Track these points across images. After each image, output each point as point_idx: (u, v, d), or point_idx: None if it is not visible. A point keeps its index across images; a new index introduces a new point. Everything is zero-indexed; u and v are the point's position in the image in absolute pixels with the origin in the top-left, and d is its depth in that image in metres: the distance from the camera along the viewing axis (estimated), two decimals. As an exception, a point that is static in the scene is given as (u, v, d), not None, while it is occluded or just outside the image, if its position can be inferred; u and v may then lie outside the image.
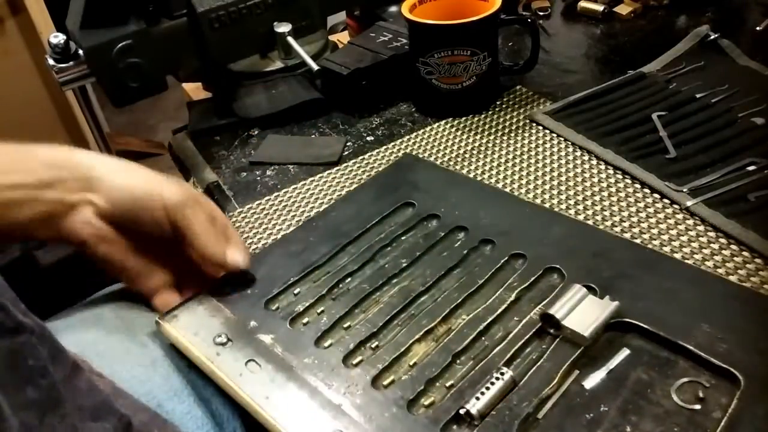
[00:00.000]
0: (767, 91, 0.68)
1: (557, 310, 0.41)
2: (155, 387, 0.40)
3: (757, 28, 0.81)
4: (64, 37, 0.67)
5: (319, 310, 0.45)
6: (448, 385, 0.39)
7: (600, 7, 0.90)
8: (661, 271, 0.45)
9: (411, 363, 0.41)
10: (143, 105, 0.86)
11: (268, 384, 0.40)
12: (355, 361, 0.41)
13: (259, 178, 0.69)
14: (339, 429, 0.37)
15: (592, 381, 0.38)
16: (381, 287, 0.47)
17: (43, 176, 0.43)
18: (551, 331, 0.41)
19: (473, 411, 0.37)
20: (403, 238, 0.51)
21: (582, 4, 0.92)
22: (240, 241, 0.47)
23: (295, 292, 0.47)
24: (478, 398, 0.37)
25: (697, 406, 0.36)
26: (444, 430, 0.36)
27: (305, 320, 0.45)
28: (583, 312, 0.41)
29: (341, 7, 0.88)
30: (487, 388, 0.38)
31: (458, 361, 0.41)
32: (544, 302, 0.43)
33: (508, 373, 0.38)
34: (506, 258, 0.47)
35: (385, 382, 0.40)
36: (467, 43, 0.68)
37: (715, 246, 0.52)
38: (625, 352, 0.39)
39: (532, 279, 0.45)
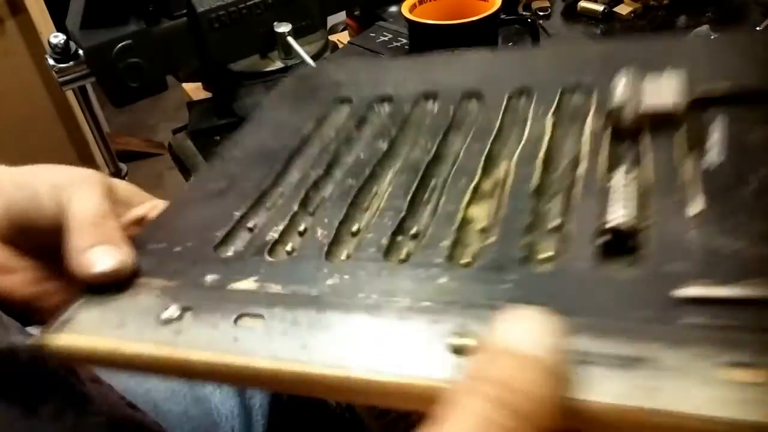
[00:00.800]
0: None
1: (623, 99, 0.32)
2: (152, 387, 0.40)
3: (757, 28, 0.81)
4: (64, 37, 0.67)
5: (301, 229, 0.33)
6: (556, 224, 0.29)
7: (600, 7, 0.90)
8: (694, 45, 0.39)
9: (480, 227, 0.30)
10: (143, 105, 0.86)
11: (291, 330, 0.25)
12: (402, 255, 0.29)
13: (259, 178, 0.69)
14: (460, 332, 0.23)
15: (713, 158, 0.30)
16: (371, 178, 0.35)
17: None
18: (629, 126, 0.32)
19: (623, 225, 0.26)
20: (361, 128, 0.40)
21: (582, 4, 0.92)
22: (126, 241, 0.31)
23: (250, 226, 0.34)
24: (620, 210, 0.27)
25: None
26: (606, 255, 0.26)
27: (289, 247, 0.32)
28: (653, 91, 0.32)
29: (341, 7, 0.88)
30: (622, 199, 0.28)
31: (544, 200, 0.30)
32: (595, 109, 0.34)
33: (631, 174, 0.29)
34: (506, 99, 0.38)
35: (466, 260, 0.28)
36: (467, 43, 0.68)
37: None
38: (722, 121, 0.31)
39: (555, 102, 0.36)
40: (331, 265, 0.29)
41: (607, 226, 0.26)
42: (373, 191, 0.34)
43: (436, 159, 0.35)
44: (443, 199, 0.32)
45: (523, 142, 0.34)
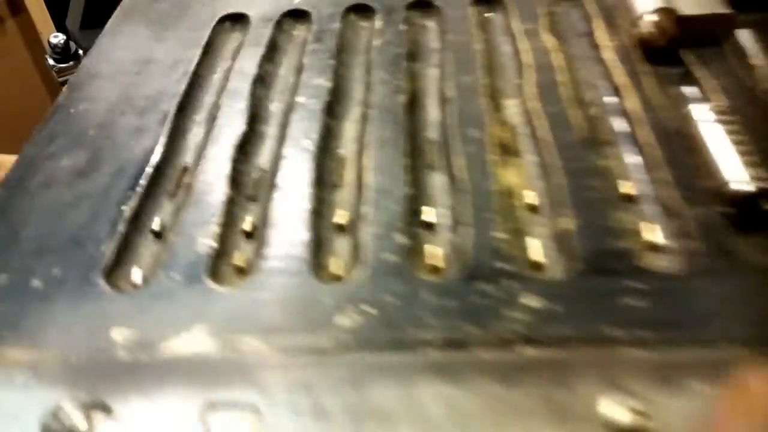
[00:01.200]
0: None
1: (649, 7, 0.25)
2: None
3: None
4: (64, 37, 0.67)
5: (246, 227, 0.20)
6: (642, 190, 0.20)
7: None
8: None
9: (527, 202, 0.20)
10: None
11: (320, 428, 0.14)
12: (434, 259, 0.19)
13: (258, 178, 0.68)
14: (619, 403, 0.14)
15: (761, 63, 0.24)
16: (327, 136, 0.23)
17: None
18: (662, 43, 0.25)
19: (760, 185, 0.18)
20: (276, 59, 0.28)
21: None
22: None
23: (154, 227, 0.20)
24: (738, 164, 0.19)
25: None
26: (742, 230, 0.18)
27: (238, 261, 0.19)
28: None
29: (341, 7, 0.88)
30: (731, 149, 0.19)
31: (603, 153, 0.21)
32: (602, 19, 0.27)
33: (713, 110, 0.21)
34: (471, 11, 0.29)
35: (536, 260, 0.18)
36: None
37: None
38: (760, 25, 0.26)
39: (544, 14, 0.28)
40: (330, 290, 0.17)
41: (732, 187, 0.18)
42: (337, 156, 0.22)
43: (414, 101, 0.24)
44: (460, 161, 0.21)
45: (531, 72, 0.24)
